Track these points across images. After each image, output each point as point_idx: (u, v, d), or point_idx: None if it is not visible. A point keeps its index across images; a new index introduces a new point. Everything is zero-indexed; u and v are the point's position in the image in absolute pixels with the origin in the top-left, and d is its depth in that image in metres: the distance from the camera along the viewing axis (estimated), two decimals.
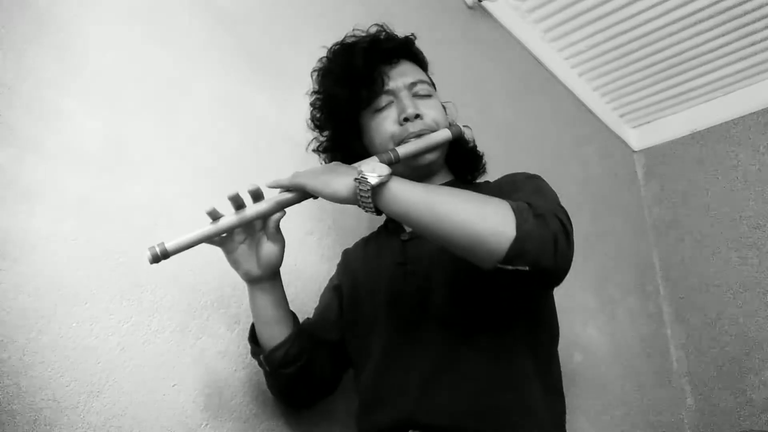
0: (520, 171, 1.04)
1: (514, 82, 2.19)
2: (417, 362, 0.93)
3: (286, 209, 0.93)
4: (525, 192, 0.92)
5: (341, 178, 0.86)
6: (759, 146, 2.55)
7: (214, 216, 0.90)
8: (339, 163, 0.94)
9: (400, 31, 1.14)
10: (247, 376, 1.08)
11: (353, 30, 1.12)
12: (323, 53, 1.12)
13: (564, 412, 0.98)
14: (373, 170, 0.83)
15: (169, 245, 0.86)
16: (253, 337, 1.01)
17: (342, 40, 1.11)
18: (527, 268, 0.77)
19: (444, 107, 1.13)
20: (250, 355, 1.06)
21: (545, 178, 1.00)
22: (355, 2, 1.59)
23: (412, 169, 1.02)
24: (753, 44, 2.42)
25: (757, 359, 2.35)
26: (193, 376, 1.00)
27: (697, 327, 2.52)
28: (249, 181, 0.93)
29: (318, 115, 1.13)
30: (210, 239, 0.91)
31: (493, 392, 0.89)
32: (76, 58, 1.01)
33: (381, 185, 0.82)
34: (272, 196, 0.92)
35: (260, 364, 1.02)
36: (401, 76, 1.06)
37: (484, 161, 1.16)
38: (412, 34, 1.14)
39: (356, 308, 1.06)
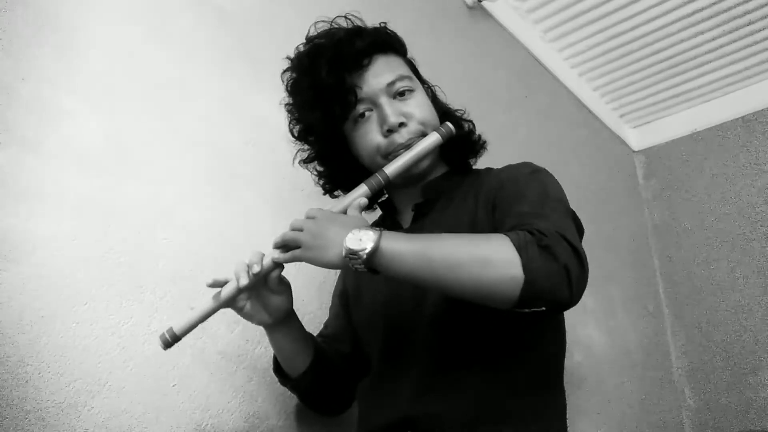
0: (522, 163, 0.99)
1: (514, 82, 2.19)
2: (411, 368, 0.92)
3: (284, 265, 0.90)
4: (528, 201, 0.87)
5: (331, 250, 0.81)
6: (759, 146, 2.55)
7: (218, 285, 0.90)
8: (327, 218, 0.85)
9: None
10: (247, 376, 1.08)
11: (316, 23, 1.02)
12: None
13: (565, 407, 0.95)
14: (360, 240, 0.77)
15: (177, 328, 0.87)
16: (278, 367, 1.03)
17: (307, 41, 1.00)
18: (544, 309, 0.75)
19: (432, 90, 1.07)
20: (249, 356, 1.07)
21: None
22: (355, 2, 1.59)
23: (406, 178, 0.98)
24: (753, 44, 2.42)
25: (757, 359, 2.35)
26: (193, 376, 1.00)
27: (697, 327, 2.52)
28: (248, 181, 0.92)
29: (296, 128, 1.04)
30: (214, 313, 0.90)
31: (487, 402, 0.87)
32: (76, 58, 1.01)
33: (373, 254, 0.77)
34: (268, 255, 0.89)
35: (289, 389, 1.06)
36: (375, 78, 0.96)
37: (481, 142, 1.08)
38: (383, 23, 1.04)
39: (361, 310, 1.06)
